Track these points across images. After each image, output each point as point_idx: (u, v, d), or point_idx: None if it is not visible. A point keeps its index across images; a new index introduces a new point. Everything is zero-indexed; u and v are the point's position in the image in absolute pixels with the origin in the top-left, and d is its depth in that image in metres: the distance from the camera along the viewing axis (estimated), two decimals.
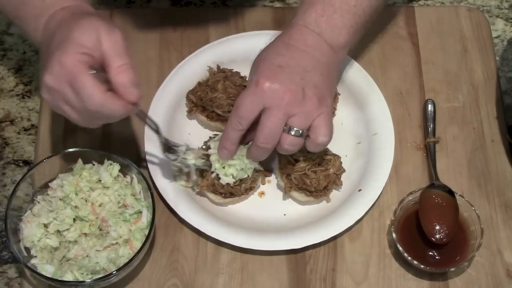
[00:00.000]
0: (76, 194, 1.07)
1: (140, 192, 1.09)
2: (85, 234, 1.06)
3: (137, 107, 0.95)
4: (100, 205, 1.07)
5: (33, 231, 1.05)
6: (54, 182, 1.09)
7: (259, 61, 1.03)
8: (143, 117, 1.03)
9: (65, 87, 0.91)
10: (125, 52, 0.92)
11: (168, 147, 1.07)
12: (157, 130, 1.05)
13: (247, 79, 1.16)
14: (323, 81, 1.02)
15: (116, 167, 1.09)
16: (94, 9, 1.01)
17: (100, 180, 1.09)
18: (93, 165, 1.10)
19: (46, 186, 1.09)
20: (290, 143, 1.01)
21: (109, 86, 0.91)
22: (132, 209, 1.07)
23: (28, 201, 1.08)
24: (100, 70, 0.92)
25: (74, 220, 1.06)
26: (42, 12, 0.98)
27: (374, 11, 1.08)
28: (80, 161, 1.10)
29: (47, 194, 1.08)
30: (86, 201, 1.07)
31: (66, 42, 0.91)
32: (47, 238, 1.05)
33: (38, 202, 1.08)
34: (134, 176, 1.09)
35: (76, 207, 1.06)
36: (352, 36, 1.06)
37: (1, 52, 1.29)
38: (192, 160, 1.08)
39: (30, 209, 1.07)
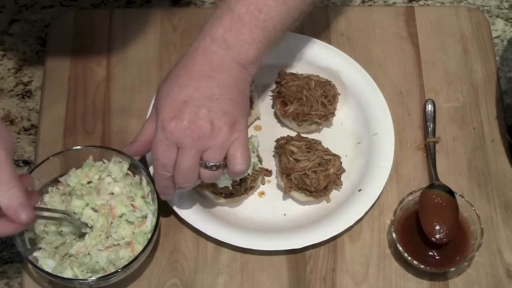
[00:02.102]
0: (87, 183, 1.07)
1: (148, 194, 1.08)
2: (91, 228, 1.06)
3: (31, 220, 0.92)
4: (110, 194, 1.07)
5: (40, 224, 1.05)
6: (64, 177, 1.09)
7: (163, 96, 0.99)
8: None
9: None
10: (6, 172, 0.89)
11: None
12: None
13: None
14: (233, 105, 0.98)
15: (125, 165, 1.09)
16: None
17: (109, 175, 1.08)
18: (103, 162, 1.10)
19: (56, 181, 1.09)
20: (209, 177, 1.00)
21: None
22: (140, 212, 1.06)
23: None
24: None
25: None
26: None
27: (286, 26, 1.02)
28: (91, 157, 1.09)
29: (58, 188, 1.09)
30: (95, 190, 1.07)
31: None
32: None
33: (48, 193, 1.08)
34: (143, 178, 1.08)
35: (85, 194, 1.06)
36: (262, 51, 1.01)
37: (1, 52, 1.29)
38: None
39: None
